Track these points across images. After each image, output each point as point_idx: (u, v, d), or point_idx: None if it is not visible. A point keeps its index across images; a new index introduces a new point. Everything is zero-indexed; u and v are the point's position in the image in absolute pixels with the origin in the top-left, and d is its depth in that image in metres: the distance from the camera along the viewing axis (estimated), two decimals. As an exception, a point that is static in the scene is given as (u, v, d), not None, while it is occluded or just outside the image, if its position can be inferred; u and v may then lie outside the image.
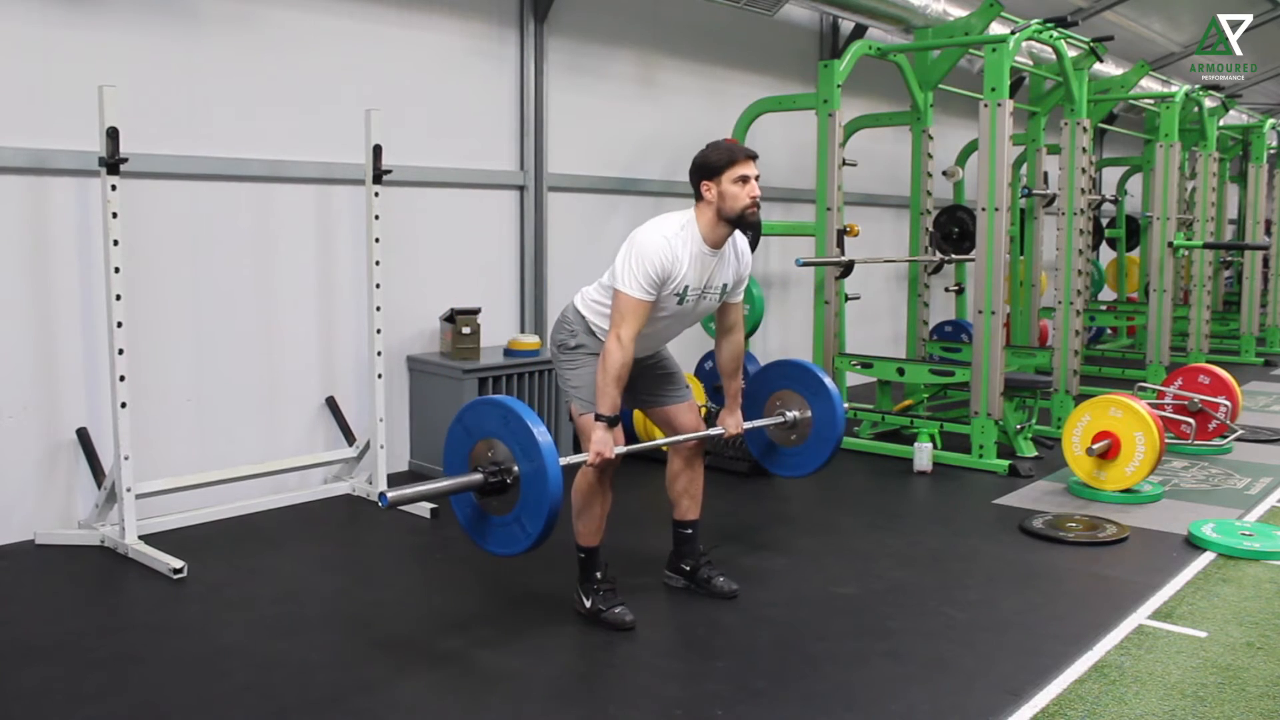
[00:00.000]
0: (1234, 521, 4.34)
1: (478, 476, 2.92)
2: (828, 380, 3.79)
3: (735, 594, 3.54)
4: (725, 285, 3.34)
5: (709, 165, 3.23)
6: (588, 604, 3.32)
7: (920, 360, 6.31)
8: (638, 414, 5.03)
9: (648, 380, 3.48)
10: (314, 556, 4.07)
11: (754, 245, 6.02)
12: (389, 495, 2.85)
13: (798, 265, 5.55)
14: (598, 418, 3.13)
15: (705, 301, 3.31)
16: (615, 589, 3.35)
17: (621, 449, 3.21)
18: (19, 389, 4.01)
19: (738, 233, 3.32)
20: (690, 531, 3.59)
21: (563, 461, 2.89)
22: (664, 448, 3.61)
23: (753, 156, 3.25)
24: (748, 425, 3.69)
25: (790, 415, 3.82)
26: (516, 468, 2.89)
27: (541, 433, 2.84)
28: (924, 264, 6.55)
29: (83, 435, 4.13)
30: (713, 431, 3.55)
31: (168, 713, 2.73)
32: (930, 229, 6.51)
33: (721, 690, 2.86)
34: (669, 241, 3.14)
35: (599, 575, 3.34)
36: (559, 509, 2.84)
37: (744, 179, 3.20)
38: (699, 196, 3.25)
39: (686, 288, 3.20)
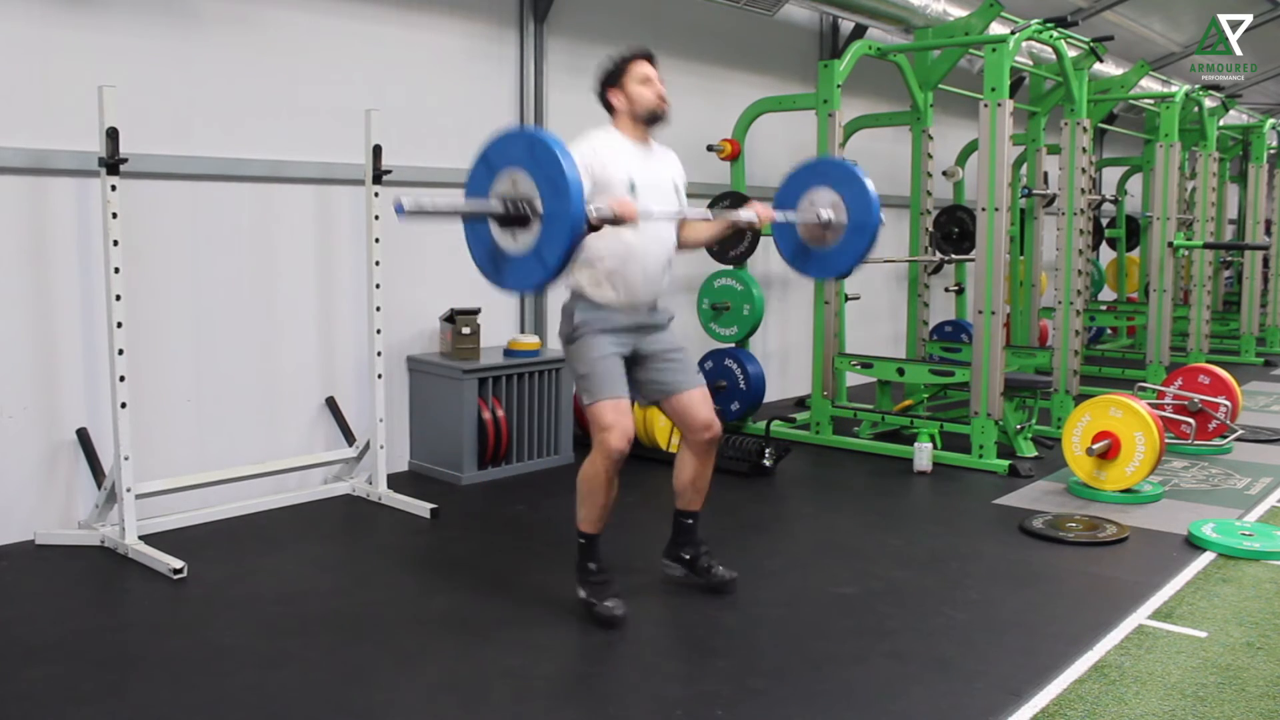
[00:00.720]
0: (1234, 521, 4.34)
1: (498, 205, 2.81)
2: (859, 170, 3.66)
3: (734, 581, 3.55)
4: (674, 182, 3.41)
5: (609, 74, 3.37)
6: (582, 593, 3.34)
7: (920, 360, 6.31)
8: (636, 410, 5.02)
9: (657, 366, 3.43)
10: (314, 556, 4.07)
11: (753, 247, 6.06)
12: (405, 204, 2.70)
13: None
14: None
15: (660, 194, 3.32)
16: (609, 582, 3.35)
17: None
18: (19, 389, 4.01)
19: (668, 152, 3.47)
20: (691, 522, 3.60)
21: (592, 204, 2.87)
22: (673, 448, 3.57)
23: (648, 56, 3.37)
24: (780, 216, 3.59)
25: (824, 214, 3.64)
26: (540, 200, 2.77)
27: (569, 165, 2.72)
28: (924, 264, 6.55)
29: (83, 435, 4.13)
30: (743, 215, 3.44)
31: (168, 713, 2.73)
32: (930, 229, 6.51)
33: (721, 690, 2.86)
34: (592, 134, 3.32)
35: (593, 566, 3.35)
36: (581, 241, 2.76)
37: (646, 79, 3.33)
38: (611, 109, 3.37)
39: (633, 181, 3.24)
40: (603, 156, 3.24)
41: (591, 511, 3.33)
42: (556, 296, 5.76)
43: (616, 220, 3.03)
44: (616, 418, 3.22)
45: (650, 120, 3.35)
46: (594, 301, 3.31)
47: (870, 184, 3.64)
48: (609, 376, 3.27)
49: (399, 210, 2.72)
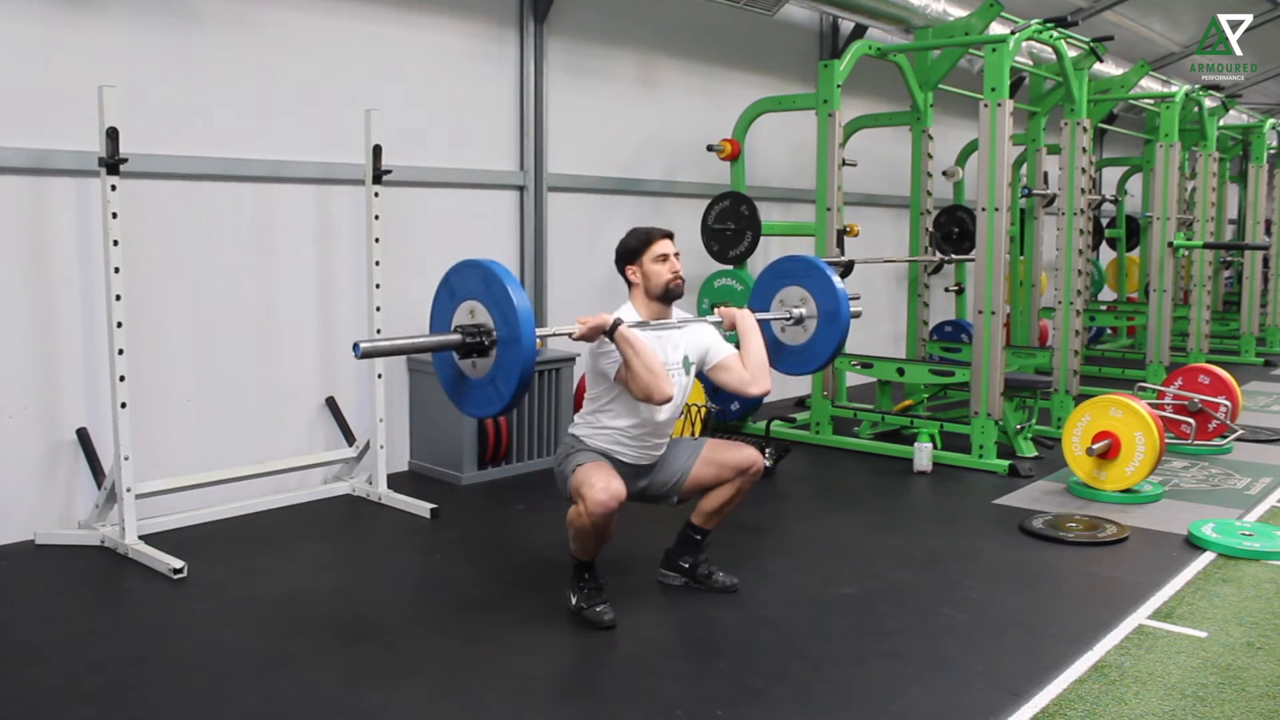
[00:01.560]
0: (1234, 521, 4.34)
1: (456, 336, 2.95)
2: (819, 262, 3.75)
3: (735, 588, 3.55)
4: (686, 359, 3.40)
5: (628, 250, 3.39)
6: (573, 600, 3.34)
7: (920, 360, 6.31)
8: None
9: (662, 470, 3.46)
10: (314, 556, 4.07)
11: (753, 246, 6.06)
12: (362, 345, 2.82)
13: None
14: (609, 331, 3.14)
15: (674, 378, 3.31)
16: (601, 589, 3.34)
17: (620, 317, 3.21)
18: (19, 389, 4.01)
19: (694, 325, 3.46)
20: (700, 539, 3.59)
21: (541, 333, 2.97)
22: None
23: (668, 235, 3.39)
24: (750, 317, 3.60)
25: (795, 311, 3.75)
26: (495, 331, 2.92)
27: (519, 296, 2.86)
28: (924, 264, 6.55)
29: (83, 435, 4.13)
30: (710, 320, 3.52)
31: (168, 713, 2.73)
32: (930, 229, 6.51)
33: (721, 690, 2.86)
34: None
35: (587, 575, 3.35)
36: (532, 371, 2.89)
37: (663, 257, 3.35)
38: (628, 283, 3.42)
39: None
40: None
41: (583, 547, 3.28)
42: (557, 297, 5.78)
43: (584, 339, 3.14)
44: (600, 476, 3.16)
45: (665, 298, 3.36)
46: (599, 450, 3.33)
47: (832, 273, 3.72)
48: (596, 459, 3.29)
49: (356, 351, 2.84)
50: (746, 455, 3.44)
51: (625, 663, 3.11)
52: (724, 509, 3.52)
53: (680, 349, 3.41)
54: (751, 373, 3.45)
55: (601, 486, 3.10)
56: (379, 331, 4.63)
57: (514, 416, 5.18)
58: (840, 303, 3.68)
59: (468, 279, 3.00)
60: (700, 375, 3.54)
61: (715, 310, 3.62)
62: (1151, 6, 10.04)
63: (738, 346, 3.51)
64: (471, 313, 2.96)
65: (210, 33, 4.41)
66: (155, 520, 4.14)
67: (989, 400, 5.30)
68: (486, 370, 2.95)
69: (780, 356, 3.84)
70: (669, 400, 3.20)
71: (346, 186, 4.87)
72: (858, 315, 3.78)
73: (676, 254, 3.39)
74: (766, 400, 6.28)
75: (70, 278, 4.08)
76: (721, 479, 3.46)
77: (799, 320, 3.77)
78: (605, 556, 3.41)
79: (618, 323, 3.14)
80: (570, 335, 3.14)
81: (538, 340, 2.92)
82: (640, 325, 3.28)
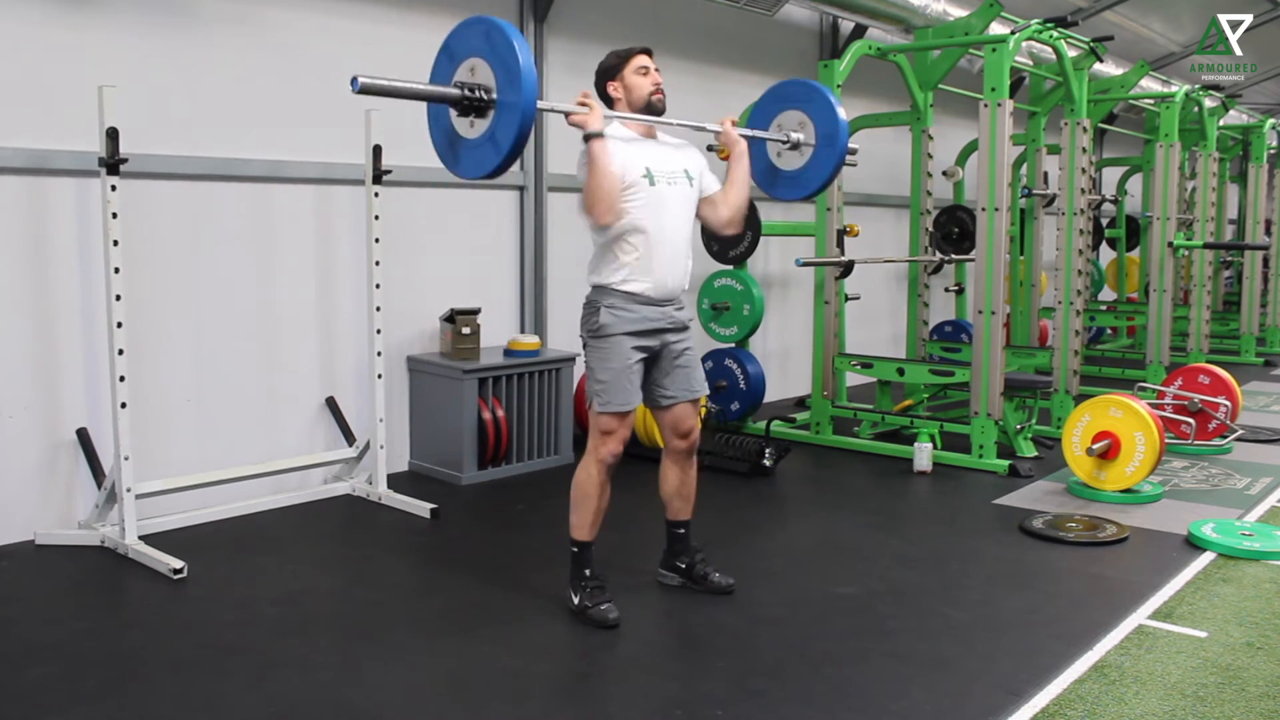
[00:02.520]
0: (1234, 521, 4.34)
1: (456, 90, 2.90)
2: (827, 92, 3.70)
3: (731, 589, 3.55)
4: (687, 172, 3.40)
5: (608, 67, 3.39)
6: (575, 600, 3.34)
7: (920, 360, 6.31)
8: (639, 410, 5.02)
9: (668, 371, 3.42)
10: (314, 556, 4.07)
11: (753, 246, 6.07)
12: (360, 80, 2.76)
13: (798, 265, 5.56)
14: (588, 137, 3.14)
15: (677, 188, 3.34)
16: (603, 587, 3.35)
17: (608, 111, 3.22)
18: (19, 389, 4.01)
19: (680, 143, 3.46)
20: (683, 531, 3.60)
21: (541, 105, 2.94)
22: (656, 444, 3.59)
23: (647, 50, 3.39)
24: (746, 132, 3.61)
25: (793, 136, 3.71)
26: (495, 89, 2.87)
27: (524, 52, 2.81)
28: (924, 264, 6.55)
29: (83, 435, 4.13)
30: (711, 128, 3.50)
31: (168, 713, 2.73)
32: (930, 229, 6.51)
33: (721, 690, 2.86)
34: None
35: (588, 573, 3.35)
36: (529, 129, 2.85)
37: (644, 69, 3.35)
38: (610, 102, 3.38)
39: (649, 169, 3.27)
40: (619, 147, 3.25)
41: (584, 517, 3.34)
42: (557, 296, 5.77)
43: (573, 123, 3.13)
44: (619, 426, 3.27)
45: (648, 110, 3.35)
46: (622, 293, 3.29)
47: (834, 98, 3.67)
48: (626, 388, 3.28)
49: (354, 84, 2.77)
50: (689, 425, 3.48)
51: (625, 663, 3.11)
52: (681, 490, 3.55)
53: (680, 161, 3.41)
54: (729, 212, 3.47)
55: (618, 440, 3.27)
56: (379, 332, 4.63)
57: (514, 417, 5.17)
58: (840, 128, 3.62)
59: (468, 37, 2.94)
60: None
61: (719, 123, 3.54)
62: (1151, 6, 10.04)
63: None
64: (472, 70, 2.90)
65: (210, 33, 4.41)
66: (155, 520, 4.14)
67: (989, 400, 5.31)
68: (484, 129, 2.90)
69: (775, 182, 3.81)
70: (606, 225, 3.20)
71: (346, 186, 4.87)
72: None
73: (657, 69, 3.37)
74: (766, 400, 6.30)
75: (70, 278, 4.08)
76: (669, 440, 3.50)
77: (795, 145, 3.72)
78: (603, 556, 3.42)
79: (598, 134, 3.12)
80: (566, 116, 3.15)
81: (539, 98, 2.85)
82: (631, 142, 3.28)
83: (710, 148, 6.27)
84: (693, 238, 3.45)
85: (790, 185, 3.80)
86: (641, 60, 3.35)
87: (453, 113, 2.98)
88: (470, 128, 2.95)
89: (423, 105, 5.11)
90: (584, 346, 3.40)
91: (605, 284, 3.31)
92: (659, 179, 3.29)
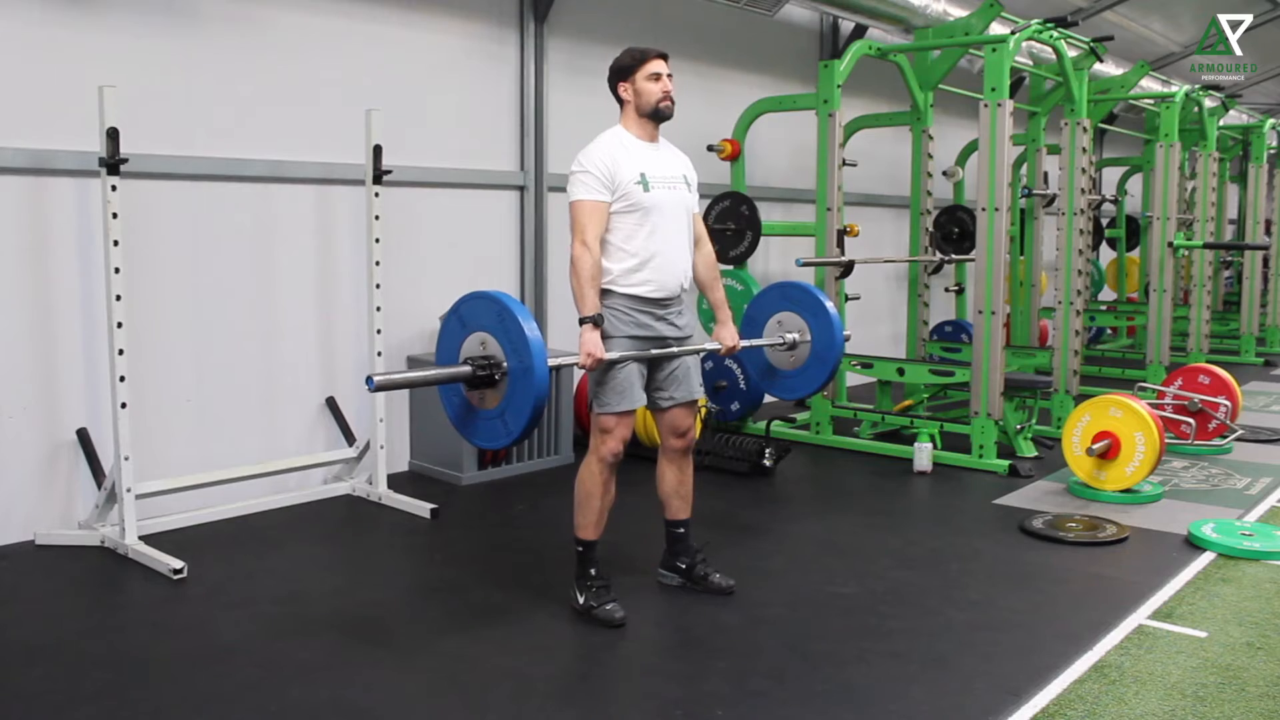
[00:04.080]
0: (1234, 521, 4.33)
1: (466, 369, 2.94)
2: (827, 302, 3.77)
3: (732, 590, 3.55)
4: (685, 178, 3.42)
5: (622, 67, 3.39)
6: (580, 600, 3.34)
7: (920, 360, 6.31)
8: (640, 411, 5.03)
9: (666, 376, 3.43)
10: (314, 556, 4.07)
11: (753, 247, 6.07)
12: (375, 378, 2.85)
13: (798, 265, 5.55)
14: (581, 321, 3.17)
15: (677, 193, 3.36)
16: (609, 586, 3.36)
17: (612, 355, 3.21)
18: (19, 389, 4.01)
19: (677, 151, 3.47)
20: (682, 531, 3.60)
21: (552, 363, 2.94)
22: (656, 443, 3.59)
23: (662, 55, 3.39)
24: (745, 343, 3.67)
25: (789, 337, 3.80)
26: (505, 363, 2.91)
27: (532, 329, 2.86)
28: (924, 264, 6.55)
29: (83, 435, 4.13)
30: (709, 345, 3.56)
31: (168, 713, 2.73)
32: (930, 229, 6.51)
33: (721, 690, 2.86)
34: (601, 140, 3.33)
35: (593, 572, 3.35)
36: (543, 408, 2.88)
37: (655, 75, 3.34)
38: (620, 100, 3.41)
39: (643, 174, 3.27)
40: (614, 156, 3.27)
41: (588, 516, 3.34)
42: (557, 297, 5.77)
43: (582, 367, 3.17)
44: (619, 425, 3.28)
45: (655, 116, 3.36)
46: (622, 296, 3.29)
47: (836, 316, 3.76)
48: (626, 390, 3.28)
49: (369, 383, 2.87)
50: (686, 425, 3.49)
51: (625, 663, 3.11)
52: (679, 489, 3.55)
53: (678, 166, 3.43)
54: (706, 258, 3.55)
55: (618, 439, 3.27)
56: (379, 332, 4.62)
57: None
58: (835, 350, 3.73)
59: (478, 310, 2.99)
60: None
61: (719, 342, 3.61)
62: (1151, 6, 10.04)
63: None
64: (482, 344, 2.96)
65: (210, 33, 4.41)
66: (155, 520, 4.14)
67: (989, 400, 5.30)
68: (496, 403, 2.95)
69: (772, 381, 3.95)
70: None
71: (346, 186, 4.87)
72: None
73: (669, 75, 3.37)
74: (766, 400, 6.30)
75: (70, 278, 4.08)
76: (666, 440, 3.51)
77: (792, 346, 3.82)
78: (603, 556, 3.42)
79: (592, 320, 3.17)
80: (579, 365, 3.18)
81: (550, 373, 2.89)
82: (630, 148, 3.30)
83: (710, 148, 6.30)
84: (690, 242, 3.46)
85: (784, 387, 3.95)
86: (655, 66, 3.35)
87: (465, 388, 3.02)
88: (481, 400, 2.99)
89: (423, 105, 5.18)
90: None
91: (606, 287, 3.31)
92: (655, 184, 3.30)
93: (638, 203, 3.26)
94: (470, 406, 3.03)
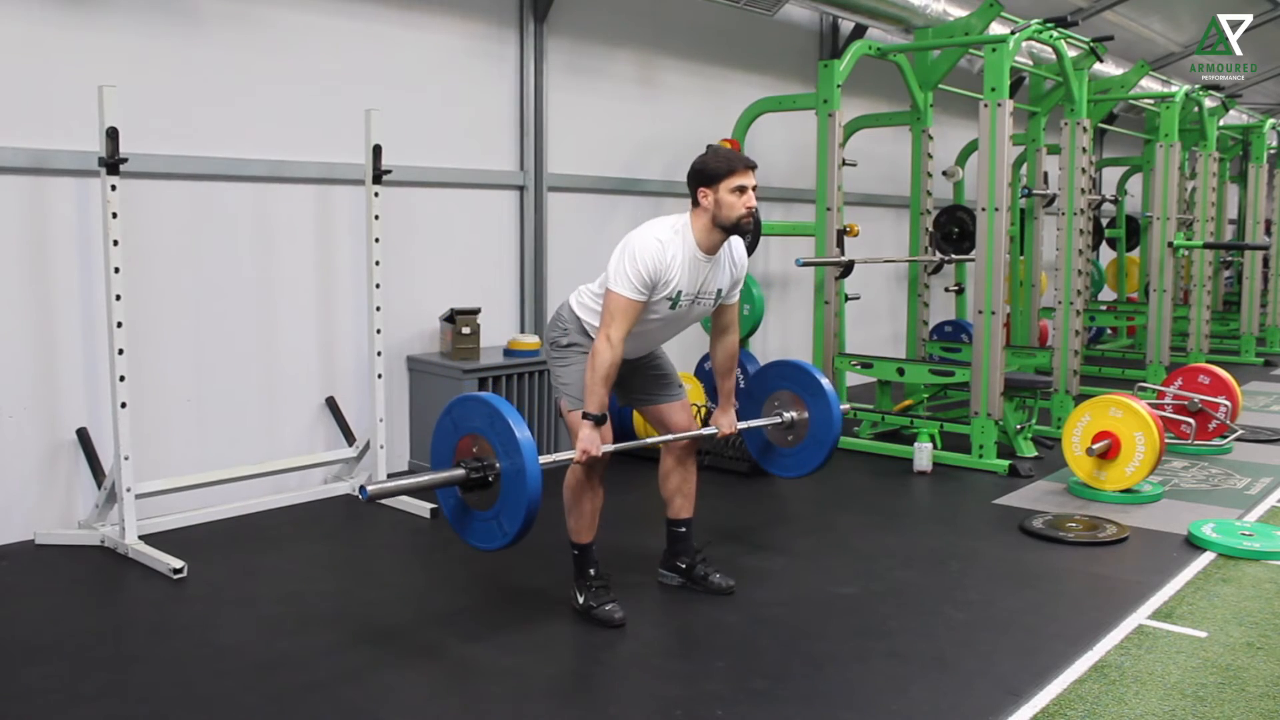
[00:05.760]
0: (1234, 521, 4.34)
1: (460, 472, 2.95)
2: (825, 382, 3.78)
3: (731, 590, 3.55)
4: (720, 290, 3.35)
5: (708, 172, 3.22)
6: (580, 600, 3.34)
7: (920, 360, 6.31)
8: (637, 414, 5.02)
9: (641, 378, 3.49)
10: (314, 556, 4.07)
11: (753, 247, 6.05)
12: (369, 489, 2.87)
13: (798, 265, 5.55)
14: (585, 416, 3.15)
15: (698, 307, 3.33)
16: (608, 586, 3.36)
17: (609, 447, 3.22)
18: (19, 389, 4.01)
19: (734, 238, 3.33)
20: (684, 530, 3.60)
21: (544, 461, 2.91)
22: (658, 446, 3.60)
23: (752, 167, 3.24)
24: (742, 425, 3.69)
25: (787, 416, 3.83)
26: (498, 465, 2.91)
27: (523, 434, 2.85)
28: (924, 264, 6.55)
29: (83, 435, 4.13)
30: (706, 431, 3.57)
31: (168, 713, 2.73)
32: (930, 229, 6.51)
33: (721, 690, 2.86)
34: (662, 244, 3.16)
35: (592, 572, 3.36)
36: (537, 510, 2.86)
37: (741, 189, 3.19)
38: (695, 202, 3.25)
39: (680, 293, 3.22)
40: (669, 266, 3.17)
41: (580, 521, 3.34)
42: (557, 296, 5.77)
43: (578, 462, 3.15)
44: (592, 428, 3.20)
45: (730, 231, 3.22)
46: (594, 340, 3.27)
47: (834, 397, 3.75)
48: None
49: (362, 493, 2.87)
50: (684, 427, 3.48)
51: (625, 663, 3.11)
52: (683, 488, 3.55)
53: (717, 280, 3.31)
54: (729, 348, 3.51)
55: (590, 440, 3.16)
56: (379, 332, 4.62)
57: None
58: (833, 430, 3.72)
59: (470, 412, 2.99)
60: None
61: (714, 419, 3.63)
62: (1151, 6, 10.04)
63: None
64: (475, 446, 2.96)
65: (210, 32, 4.41)
66: (155, 520, 4.14)
67: (989, 400, 5.30)
68: (491, 505, 2.95)
69: (770, 459, 3.96)
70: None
71: (346, 186, 4.87)
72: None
73: (755, 187, 3.23)
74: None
75: (70, 278, 4.08)
76: (668, 443, 3.49)
77: (790, 425, 3.83)
78: (604, 556, 3.42)
79: (595, 419, 3.15)
80: (576, 461, 3.16)
81: (542, 472, 2.87)
82: (685, 263, 3.20)
83: (710, 148, 6.29)
84: (684, 328, 3.47)
85: (782, 465, 3.94)
86: (743, 179, 3.18)
87: (459, 490, 3.02)
88: (476, 502, 2.99)
89: (423, 105, 5.17)
90: (546, 351, 3.42)
91: (584, 325, 3.32)
92: (683, 301, 3.25)
93: (655, 311, 3.23)
94: (466, 507, 3.03)
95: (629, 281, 3.11)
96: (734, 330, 3.52)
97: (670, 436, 3.48)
